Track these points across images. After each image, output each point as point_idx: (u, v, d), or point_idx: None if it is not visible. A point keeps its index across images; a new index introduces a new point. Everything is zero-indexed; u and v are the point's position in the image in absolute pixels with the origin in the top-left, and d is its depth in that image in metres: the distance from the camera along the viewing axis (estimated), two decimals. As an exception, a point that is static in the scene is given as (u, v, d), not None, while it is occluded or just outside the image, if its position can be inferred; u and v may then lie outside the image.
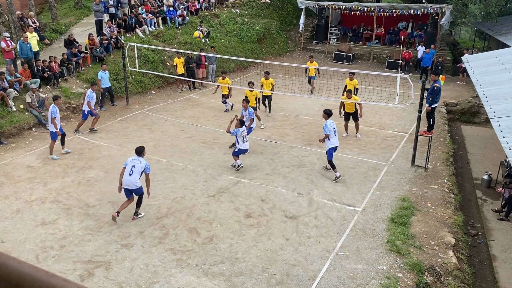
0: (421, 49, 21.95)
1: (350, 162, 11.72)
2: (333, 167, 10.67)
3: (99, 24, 18.79)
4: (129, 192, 8.61)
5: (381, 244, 8.06)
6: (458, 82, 21.12)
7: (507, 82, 11.64)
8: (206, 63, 19.36)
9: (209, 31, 22.42)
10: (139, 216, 8.86)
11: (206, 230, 8.40)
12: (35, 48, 15.33)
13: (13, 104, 13.42)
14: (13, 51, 14.55)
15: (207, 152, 12.25)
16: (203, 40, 21.86)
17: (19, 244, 7.81)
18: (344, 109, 13.66)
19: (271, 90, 15.16)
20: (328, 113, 10.77)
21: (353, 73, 15.04)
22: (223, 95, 15.84)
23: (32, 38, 15.21)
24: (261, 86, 15.17)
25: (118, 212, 8.49)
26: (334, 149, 10.74)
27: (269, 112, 15.67)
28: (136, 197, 8.73)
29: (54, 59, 15.34)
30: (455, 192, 10.69)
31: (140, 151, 8.77)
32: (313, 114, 15.94)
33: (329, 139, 10.59)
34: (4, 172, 10.68)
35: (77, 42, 17.17)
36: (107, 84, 15.53)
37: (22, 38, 14.84)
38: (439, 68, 19.77)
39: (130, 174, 8.48)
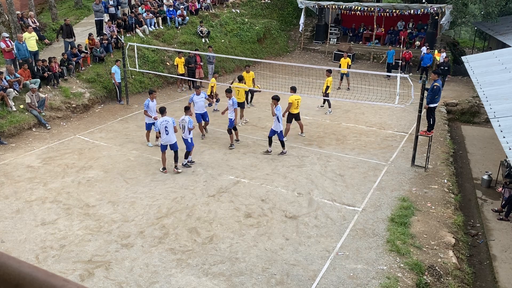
0: (424, 50, 21.95)
1: (350, 162, 11.72)
2: (270, 143, 12.12)
3: (99, 24, 18.79)
4: (165, 147, 10.65)
5: (381, 244, 8.06)
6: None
7: (507, 82, 11.65)
8: (201, 63, 19.34)
9: (209, 31, 22.43)
10: (179, 170, 10.72)
11: (206, 230, 8.40)
12: (34, 48, 15.32)
13: (13, 104, 13.42)
14: (13, 51, 14.55)
15: (207, 152, 12.25)
16: (203, 40, 21.86)
17: (19, 244, 7.81)
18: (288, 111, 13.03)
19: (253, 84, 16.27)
20: (277, 99, 11.85)
21: (330, 71, 15.51)
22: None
23: (31, 38, 15.19)
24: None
25: (164, 168, 10.78)
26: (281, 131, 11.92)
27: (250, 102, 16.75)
28: (172, 152, 10.66)
29: (54, 59, 15.34)
30: (455, 192, 10.69)
31: (162, 110, 10.61)
32: (313, 114, 15.94)
33: (279, 121, 11.73)
34: (4, 172, 10.68)
35: (71, 27, 17.20)
36: (119, 79, 16.04)
37: (17, 39, 14.85)
38: (446, 68, 19.66)
39: (166, 134, 10.45)
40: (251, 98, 16.92)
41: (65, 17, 21.19)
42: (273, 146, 12.20)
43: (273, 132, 11.98)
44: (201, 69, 19.35)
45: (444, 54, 20.84)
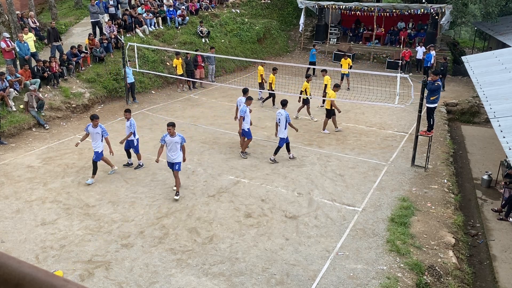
0: (420, 50, 21.96)
1: (350, 162, 11.72)
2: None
3: (95, 26, 18.77)
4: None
5: (381, 244, 8.06)
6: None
7: (507, 82, 11.65)
8: (203, 64, 19.33)
9: (209, 31, 22.43)
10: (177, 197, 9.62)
11: (206, 230, 8.40)
12: (32, 49, 15.31)
13: (13, 104, 13.42)
14: (13, 51, 14.56)
15: (207, 152, 12.25)
16: (203, 40, 21.86)
17: (19, 244, 7.81)
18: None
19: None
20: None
21: (325, 71, 15.81)
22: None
23: (29, 39, 15.19)
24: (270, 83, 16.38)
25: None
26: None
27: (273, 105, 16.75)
28: None
29: (54, 59, 15.34)
30: (455, 192, 10.69)
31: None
32: (313, 114, 15.93)
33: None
34: (4, 172, 10.68)
35: (57, 31, 17.14)
36: (131, 79, 16.37)
37: (18, 38, 14.84)
38: (442, 69, 19.67)
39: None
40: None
41: (66, 17, 21.19)
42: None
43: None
44: (202, 69, 19.35)
45: (422, 50, 21.07)
